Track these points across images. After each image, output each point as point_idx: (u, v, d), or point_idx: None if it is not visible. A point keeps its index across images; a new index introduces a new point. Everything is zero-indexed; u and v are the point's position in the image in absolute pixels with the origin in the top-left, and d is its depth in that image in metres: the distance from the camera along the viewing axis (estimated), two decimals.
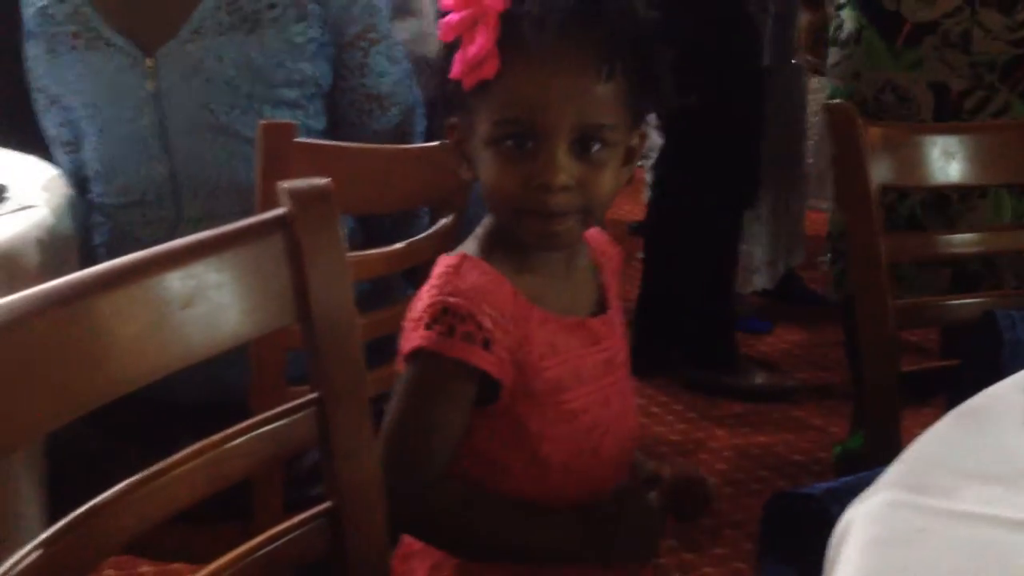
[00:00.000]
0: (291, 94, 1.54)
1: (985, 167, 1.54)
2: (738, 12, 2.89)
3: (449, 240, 1.44)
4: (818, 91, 3.70)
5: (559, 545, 1.03)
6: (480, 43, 0.97)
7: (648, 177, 3.82)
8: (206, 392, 1.35)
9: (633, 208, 4.40)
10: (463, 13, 0.98)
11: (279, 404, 0.93)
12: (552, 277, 1.06)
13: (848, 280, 2.14)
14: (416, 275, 1.40)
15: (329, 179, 0.94)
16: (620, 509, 1.03)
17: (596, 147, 1.00)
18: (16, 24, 1.63)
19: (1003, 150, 1.57)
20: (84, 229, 1.57)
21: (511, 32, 0.97)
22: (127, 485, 0.82)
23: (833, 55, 2.27)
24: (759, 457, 2.66)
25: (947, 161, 1.49)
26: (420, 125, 1.68)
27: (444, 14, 1.00)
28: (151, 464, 0.85)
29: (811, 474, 2.57)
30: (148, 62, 1.53)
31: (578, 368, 1.05)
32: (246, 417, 0.92)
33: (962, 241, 1.61)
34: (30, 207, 1.41)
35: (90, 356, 0.78)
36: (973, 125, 1.99)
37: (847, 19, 2.22)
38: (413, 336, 0.99)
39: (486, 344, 0.98)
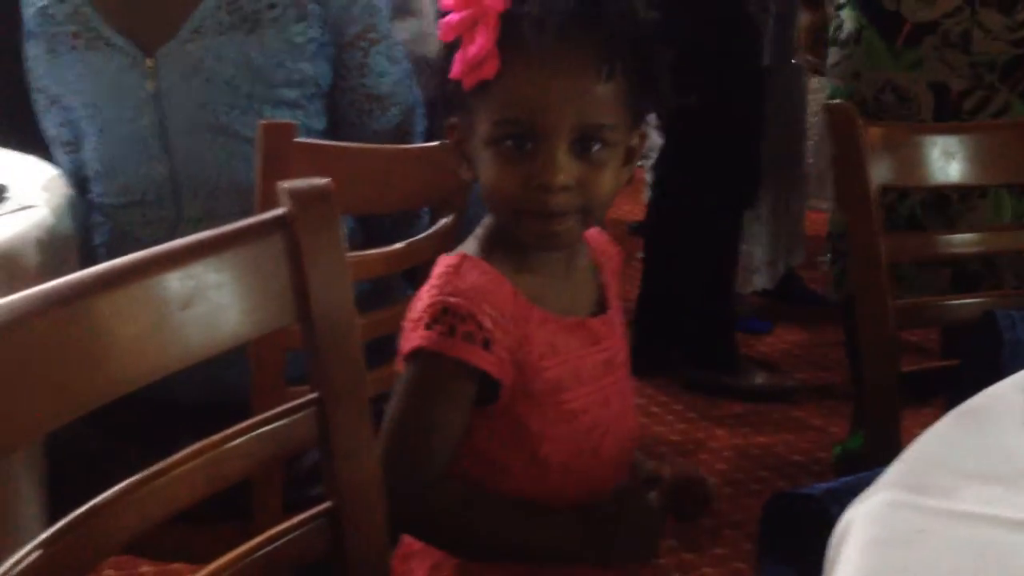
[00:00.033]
0: (291, 94, 1.54)
1: (985, 167, 1.54)
2: (738, 12, 2.89)
3: (449, 240, 1.44)
4: (818, 91, 3.70)
5: (559, 545, 1.03)
6: (480, 43, 0.97)
7: (648, 177, 3.82)
8: (206, 392, 1.35)
9: (633, 208, 4.40)
10: (463, 13, 0.98)
11: (279, 404, 0.93)
12: (552, 277, 1.06)
13: (848, 280, 2.14)
14: (416, 275, 1.40)
15: (329, 179, 0.94)
16: (620, 509, 1.03)
17: (596, 147, 1.00)
18: (16, 24, 1.63)
19: (1003, 150, 1.57)
20: (84, 229, 1.57)
21: (511, 32, 0.97)
22: (127, 485, 0.82)
23: (833, 55, 2.27)
24: (759, 457, 2.66)
25: (947, 161, 1.49)
26: (420, 125, 1.68)
27: (444, 14, 1.00)
28: (151, 464, 0.85)
29: (811, 474, 2.56)
30: (148, 62, 1.53)
31: (578, 368, 1.05)
32: (246, 417, 0.92)
33: (962, 241, 1.61)
34: (30, 207, 1.41)
35: (90, 356, 0.78)
36: (973, 125, 1.99)
37: (847, 19, 2.22)
38: (413, 336, 0.99)
39: (486, 344, 0.98)
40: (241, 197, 1.44)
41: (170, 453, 0.87)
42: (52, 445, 1.34)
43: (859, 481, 0.98)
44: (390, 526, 0.98)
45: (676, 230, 3.00)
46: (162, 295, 0.81)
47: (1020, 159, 1.57)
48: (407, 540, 1.08)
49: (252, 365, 1.32)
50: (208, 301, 0.84)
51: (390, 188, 1.47)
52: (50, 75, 1.60)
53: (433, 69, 1.05)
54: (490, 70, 0.98)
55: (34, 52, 1.61)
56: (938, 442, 0.90)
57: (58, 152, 1.67)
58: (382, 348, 1.20)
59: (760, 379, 3.01)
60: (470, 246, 1.05)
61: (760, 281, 3.50)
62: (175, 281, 0.82)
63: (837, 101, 1.69)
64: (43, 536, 0.78)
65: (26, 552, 0.76)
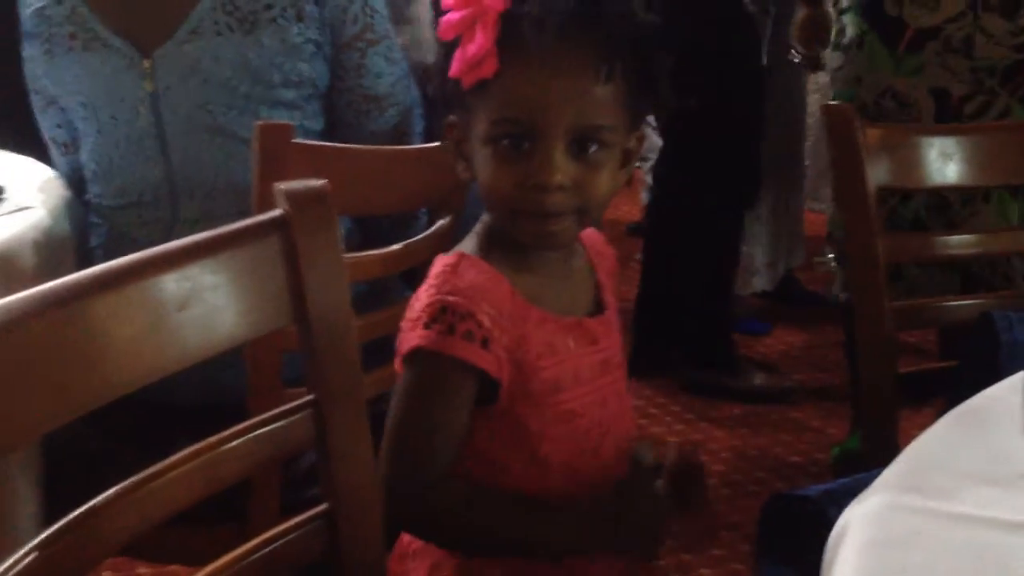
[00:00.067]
0: (289, 95, 1.54)
1: (983, 168, 1.54)
2: (737, 12, 2.89)
3: (447, 241, 1.44)
4: (814, 92, 3.70)
5: (565, 538, 1.03)
6: (480, 42, 0.97)
7: (648, 179, 3.82)
8: (203, 394, 1.34)
9: (631, 209, 4.41)
10: (463, 12, 0.98)
11: (276, 406, 0.93)
12: (549, 277, 1.06)
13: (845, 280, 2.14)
14: (414, 277, 1.39)
15: (326, 180, 0.94)
16: (626, 501, 1.03)
17: (593, 148, 1.00)
18: (13, 25, 1.63)
19: (1001, 151, 1.57)
20: (81, 230, 1.57)
21: (511, 32, 0.97)
22: (124, 487, 0.82)
23: (835, 59, 2.27)
24: (757, 458, 2.66)
25: (945, 162, 1.49)
26: (418, 126, 1.68)
27: (442, 15, 1.00)
28: (148, 465, 0.85)
29: (809, 475, 2.56)
30: (145, 63, 1.53)
31: (576, 368, 1.05)
32: (243, 419, 0.91)
33: (960, 242, 1.61)
34: (27, 208, 1.41)
35: (86, 358, 0.78)
36: (970, 127, 1.98)
37: (849, 24, 2.21)
38: (412, 336, 0.99)
39: (485, 343, 0.98)
40: (238, 198, 1.44)
41: (167, 455, 0.86)
42: (49, 445, 1.34)
43: (856, 482, 0.98)
44: (390, 527, 0.98)
45: (676, 231, 3.00)
46: (158, 297, 0.81)
47: (1018, 160, 1.57)
48: (404, 540, 1.08)
49: (249, 367, 1.32)
50: (204, 303, 0.84)
51: (388, 189, 1.47)
52: (47, 76, 1.60)
53: (432, 69, 1.05)
54: (489, 69, 0.98)
55: (31, 53, 1.60)
56: (936, 443, 0.90)
57: (55, 153, 1.67)
58: (379, 350, 1.20)
59: (758, 380, 3.01)
60: (467, 245, 1.05)
61: (760, 283, 3.50)
62: (171, 283, 0.82)
63: (835, 102, 1.69)
64: (40, 538, 0.78)
65: (23, 554, 0.76)
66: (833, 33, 2.31)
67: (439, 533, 1.03)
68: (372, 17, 1.59)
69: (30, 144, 1.68)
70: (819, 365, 3.20)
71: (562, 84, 0.98)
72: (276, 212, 0.91)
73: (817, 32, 2.65)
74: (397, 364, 1.03)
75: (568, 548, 1.05)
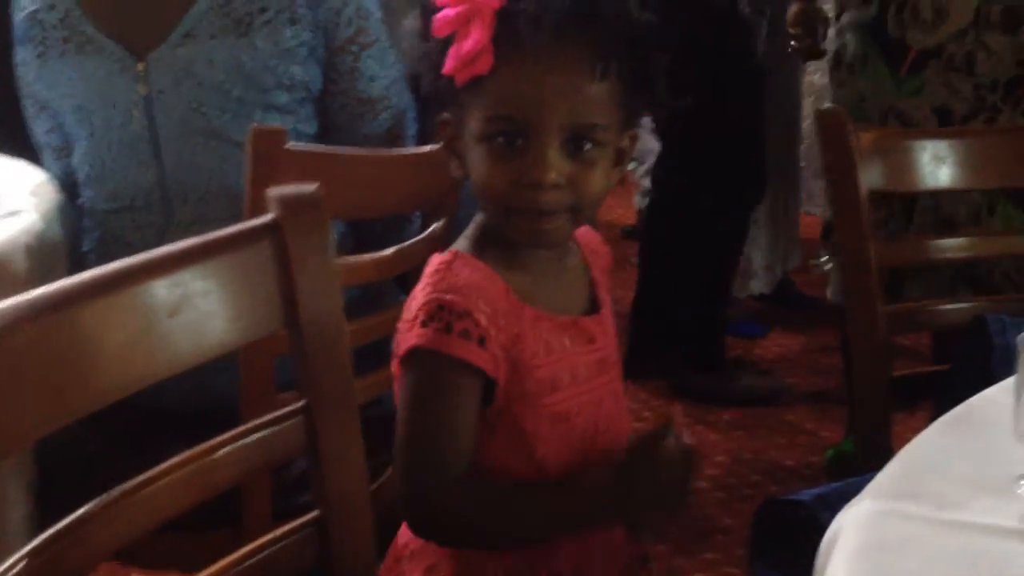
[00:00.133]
0: (282, 98, 1.54)
1: (975, 172, 1.54)
2: (733, 13, 2.89)
3: (440, 245, 1.43)
4: (809, 95, 3.71)
5: (590, 511, 1.03)
6: (475, 38, 0.97)
7: (643, 182, 3.81)
8: (195, 399, 1.34)
9: (626, 212, 4.41)
10: (458, 9, 0.98)
11: (268, 411, 0.93)
12: (543, 276, 1.06)
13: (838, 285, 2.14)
14: (407, 281, 1.39)
15: (318, 185, 0.94)
16: (642, 459, 1.02)
17: (588, 146, 1.00)
18: (5, 29, 1.63)
19: (993, 154, 1.57)
20: (73, 234, 1.56)
21: (506, 29, 0.97)
22: (115, 494, 0.82)
23: (836, 77, 2.26)
24: (751, 462, 2.66)
25: (937, 166, 1.49)
26: (411, 129, 1.68)
27: (438, 9, 1.00)
28: (141, 470, 0.85)
29: (803, 479, 2.56)
30: (139, 66, 1.52)
31: (572, 367, 1.05)
32: (235, 424, 0.91)
33: (952, 246, 1.61)
34: (19, 212, 1.41)
35: (78, 364, 0.78)
36: (963, 130, 1.99)
37: (851, 43, 2.21)
38: (409, 336, 0.99)
39: (482, 341, 0.98)
40: (231, 202, 1.44)
41: (160, 460, 0.86)
42: (42, 450, 1.34)
43: (849, 487, 0.98)
44: (416, 533, 0.98)
45: (675, 233, 2.99)
46: (150, 302, 0.81)
47: (1010, 163, 1.57)
48: (400, 543, 1.07)
49: (241, 372, 1.31)
50: (196, 308, 0.83)
51: (381, 193, 1.47)
52: (40, 80, 1.60)
53: (427, 65, 1.05)
54: (484, 66, 0.97)
55: (23, 57, 1.60)
56: (929, 448, 0.90)
57: (48, 157, 1.66)
58: (372, 354, 1.19)
59: (749, 382, 3.01)
60: (461, 244, 1.05)
61: (757, 286, 3.49)
62: (163, 288, 0.82)
63: (828, 106, 1.69)
64: (31, 545, 0.78)
65: (14, 561, 0.76)
66: (833, 51, 2.31)
67: (462, 535, 1.02)
68: (366, 20, 1.59)
69: (22, 148, 1.67)
70: (814, 368, 3.20)
71: (557, 82, 0.98)
72: (268, 217, 0.91)
73: (810, 24, 2.64)
74: (394, 366, 1.02)
75: (595, 519, 1.04)
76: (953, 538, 0.75)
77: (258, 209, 0.95)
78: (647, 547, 1.14)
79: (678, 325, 3.02)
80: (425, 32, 1.01)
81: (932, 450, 0.90)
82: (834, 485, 1.15)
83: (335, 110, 1.61)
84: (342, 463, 0.93)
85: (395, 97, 1.63)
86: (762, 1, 3.18)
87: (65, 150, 1.63)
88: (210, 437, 0.89)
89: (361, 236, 1.62)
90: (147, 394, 0.84)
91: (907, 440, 0.93)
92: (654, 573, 1.16)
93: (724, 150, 2.87)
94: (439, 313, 0.97)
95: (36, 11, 1.57)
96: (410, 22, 1.04)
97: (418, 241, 1.46)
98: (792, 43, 2.69)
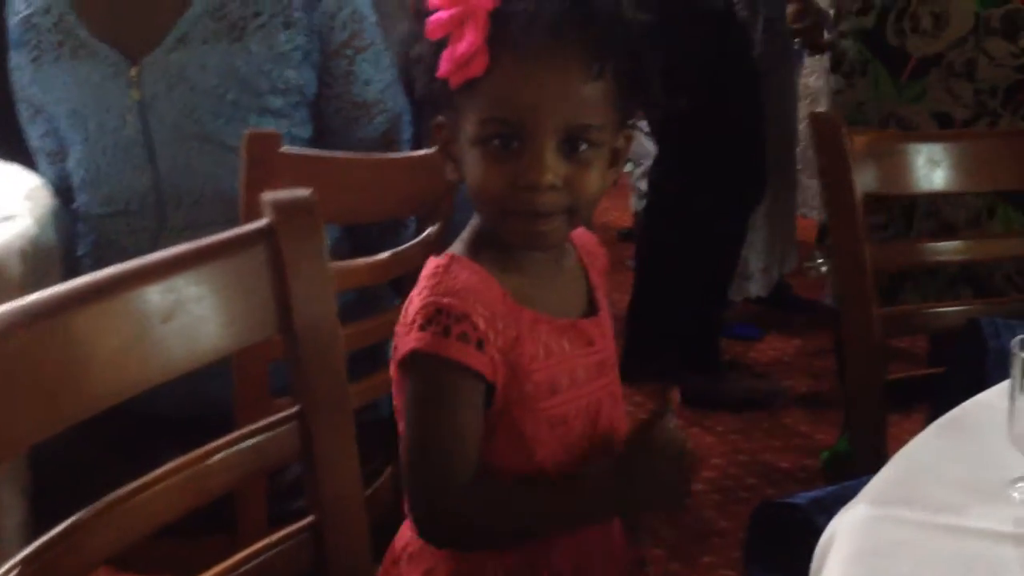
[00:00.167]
0: (276, 102, 1.54)
1: (970, 175, 1.55)
2: (729, 14, 2.89)
3: (435, 249, 1.43)
4: (804, 98, 3.71)
5: (592, 504, 1.03)
6: (469, 40, 0.97)
7: (639, 184, 3.81)
8: (189, 405, 1.34)
9: (622, 215, 4.41)
10: (452, 11, 0.98)
11: (263, 417, 0.92)
12: (540, 278, 1.06)
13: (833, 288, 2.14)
14: (403, 285, 1.39)
15: (312, 190, 0.94)
16: (640, 448, 1.03)
17: (583, 147, 0.99)
18: (0, 33, 1.63)
19: (988, 157, 1.57)
20: (68, 239, 1.56)
21: (500, 31, 0.97)
22: (109, 500, 0.82)
23: (835, 83, 2.26)
24: (747, 464, 2.66)
25: (932, 169, 1.49)
26: (407, 132, 1.68)
27: (431, 12, 1.00)
28: (135, 476, 0.85)
29: (799, 482, 2.56)
30: (133, 71, 1.52)
31: (571, 370, 1.05)
32: (230, 429, 0.91)
33: (947, 249, 1.62)
34: (13, 217, 1.40)
35: (71, 370, 0.78)
36: (958, 133, 1.99)
37: (850, 49, 2.21)
38: (407, 339, 0.98)
39: (480, 345, 0.98)
40: (226, 207, 1.44)
41: (154, 466, 0.86)
42: (36, 456, 1.34)
43: (845, 490, 0.98)
44: (424, 540, 0.98)
45: (673, 235, 2.98)
46: (143, 308, 0.81)
47: (1005, 166, 1.58)
48: (397, 545, 1.07)
49: (235, 377, 1.31)
50: (189, 314, 0.83)
51: (376, 197, 1.47)
52: (34, 84, 1.60)
53: (420, 67, 1.04)
54: (478, 68, 0.97)
55: (18, 62, 1.60)
56: (923, 452, 0.90)
57: (42, 162, 1.66)
58: (367, 358, 1.19)
59: (745, 385, 3.01)
60: (457, 248, 1.05)
61: (755, 288, 3.49)
62: (156, 294, 0.81)
63: (822, 110, 1.69)
64: (26, 551, 0.77)
65: (8, 568, 0.76)
66: (832, 56, 2.31)
67: (471, 538, 1.02)
68: (360, 24, 1.59)
69: (17, 152, 1.67)
70: (810, 371, 3.20)
71: (552, 83, 0.98)
72: (262, 222, 0.90)
73: (811, 19, 2.64)
74: (393, 369, 1.02)
75: (604, 511, 1.05)
76: (947, 542, 0.75)
77: (253, 213, 0.95)
78: (644, 551, 1.14)
79: (675, 328, 3.01)
80: (419, 35, 1.01)
81: (927, 454, 0.90)
82: (830, 488, 1.15)
83: (330, 114, 1.61)
84: (337, 468, 0.93)
85: (390, 101, 1.63)
86: (757, 2, 3.18)
87: (60, 155, 1.63)
88: (204, 443, 0.89)
89: (356, 240, 1.62)
90: (141, 400, 0.83)
91: (903, 442, 0.93)
92: None
93: (723, 151, 2.86)
94: (437, 316, 0.97)
95: (31, 15, 1.57)
96: (404, 25, 1.04)
97: (413, 245, 1.46)
98: (795, 40, 2.69)
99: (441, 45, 0.99)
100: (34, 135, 1.66)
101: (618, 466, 1.03)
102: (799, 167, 3.71)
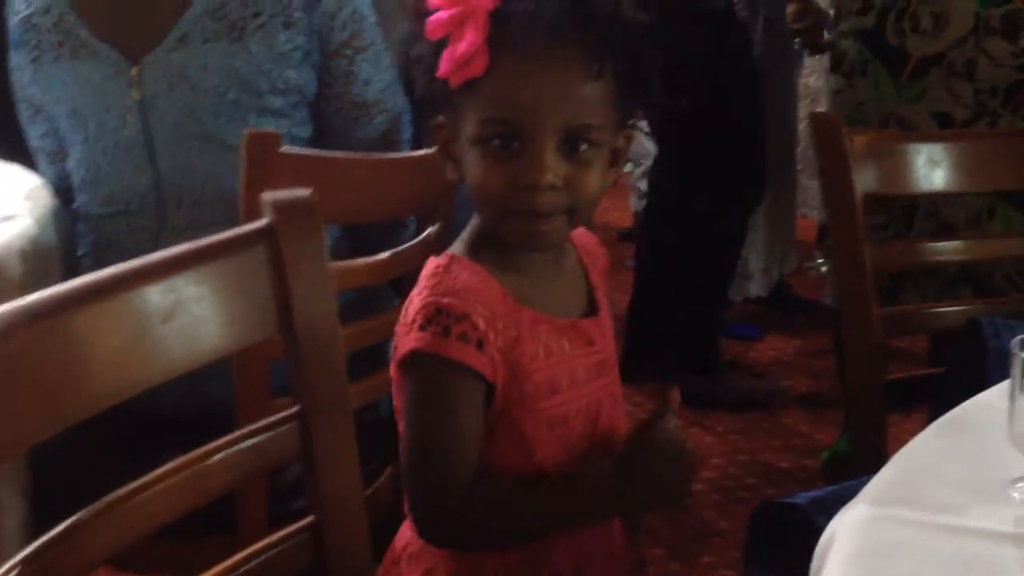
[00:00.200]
0: (277, 102, 1.54)
1: (970, 175, 1.55)
2: (729, 14, 2.89)
3: (435, 249, 1.43)
4: (803, 98, 3.71)
5: (594, 503, 1.04)
6: (469, 40, 0.97)
7: (639, 184, 3.81)
8: (189, 405, 1.34)
9: (622, 215, 4.41)
10: (452, 11, 0.98)
11: (263, 416, 0.92)
12: (541, 278, 1.06)
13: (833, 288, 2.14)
14: (402, 285, 1.39)
15: (312, 190, 0.94)
16: (640, 446, 1.03)
17: (583, 147, 0.99)
18: (0, 33, 1.63)
19: (987, 157, 1.57)
20: (68, 239, 1.56)
21: (500, 31, 0.97)
22: (109, 500, 0.82)
23: (835, 82, 2.26)
24: (747, 464, 2.66)
25: (931, 169, 1.50)
26: (407, 132, 1.68)
27: (431, 12, 0.99)
28: (136, 476, 0.85)
29: (799, 481, 2.56)
30: (133, 71, 1.52)
31: (572, 370, 1.05)
32: (230, 429, 0.91)
33: (947, 249, 1.62)
34: (13, 217, 1.40)
35: (71, 370, 0.78)
36: (958, 133, 1.99)
37: (850, 49, 2.21)
38: (407, 339, 0.98)
39: (480, 345, 0.98)
40: (226, 206, 1.44)
41: (154, 466, 0.86)
42: (36, 456, 1.34)
43: (845, 490, 0.98)
44: (426, 541, 0.98)
45: (673, 235, 2.98)
46: (143, 308, 0.81)
47: (1005, 166, 1.58)
48: (397, 546, 1.07)
49: (235, 377, 1.31)
50: (189, 314, 0.83)
51: (376, 197, 1.47)
52: (34, 84, 1.60)
53: (420, 68, 1.04)
54: (478, 68, 0.97)
55: (18, 62, 1.60)
56: (923, 452, 0.90)
57: (43, 162, 1.66)
58: (367, 358, 1.19)
59: (745, 385, 3.01)
60: (457, 248, 1.05)
61: (755, 288, 3.49)
62: (156, 294, 0.82)
63: (822, 110, 1.69)
64: (26, 551, 0.77)
65: (8, 568, 0.76)
66: (831, 56, 2.31)
67: (473, 539, 1.02)
68: (360, 24, 1.59)
69: (17, 152, 1.67)
70: (810, 371, 3.20)
71: (552, 82, 0.97)
72: (262, 222, 0.90)
73: (809, 21, 2.64)
74: (392, 369, 1.02)
75: (605, 512, 1.05)
76: (947, 543, 0.75)
77: (253, 213, 0.95)
78: (644, 550, 1.14)
79: (674, 328, 3.01)
80: (419, 35, 1.01)
81: (927, 454, 0.90)
82: (830, 488, 1.15)
83: (330, 114, 1.61)
84: (337, 468, 0.93)
85: (390, 101, 1.63)
86: (757, 2, 3.18)
87: (60, 154, 1.63)
88: (204, 442, 0.89)
89: (356, 240, 1.62)
90: (141, 400, 0.83)
91: (903, 441, 0.93)
92: None
93: (723, 151, 2.86)
94: (437, 316, 0.97)
95: (31, 15, 1.57)
96: (404, 25, 1.04)
97: (413, 245, 1.46)
98: (796, 40, 2.69)
99: (441, 45, 0.99)
100: (34, 135, 1.66)
101: (618, 466, 1.03)
102: (799, 167, 3.71)
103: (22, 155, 1.67)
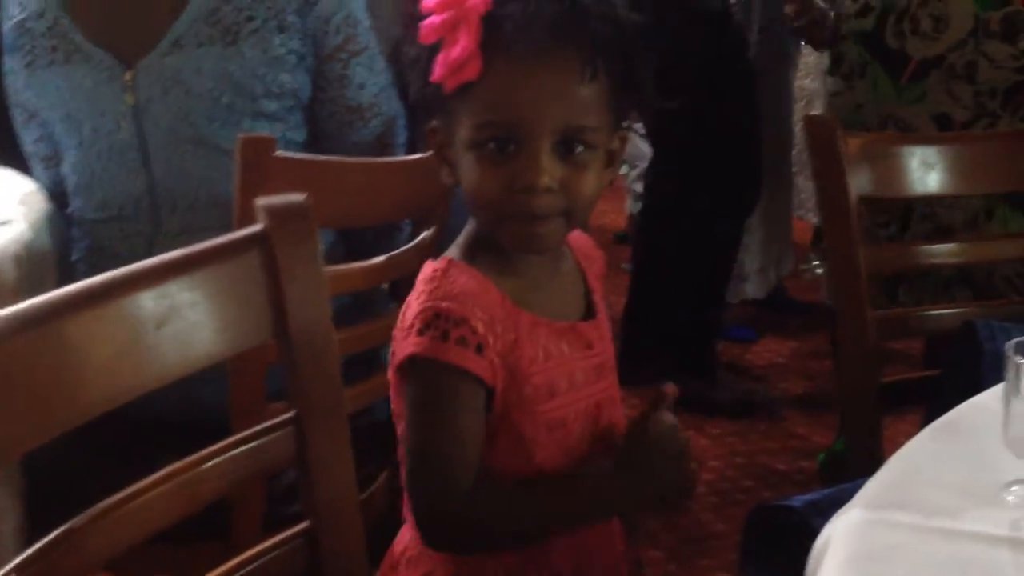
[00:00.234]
0: (271, 106, 1.54)
1: (964, 177, 1.55)
2: (724, 15, 2.89)
3: (430, 253, 1.43)
4: (799, 100, 3.71)
5: (595, 502, 1.04)
6: (463, 44, 0.96)
7: (635, 187, 3.81)
8: (184, 410, 1.34)
9: (618, 217, 4.41)
10: (444, 15, 0.98)
11: (259, 421, 0.92)
12: (538, 281, 1.05)
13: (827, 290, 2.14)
14: (399, 289, 1.39)
15: (306, 195, 0.94)
16: (638, 441, 1.03)
17: (579, 149, 0.99)
18: None
19: (982, 159, 1.58)
20: (63, 244, 1.56)
21: (493, 34, 0.97)
22: (104, 506, 0.82)
23: (833, 84, 2.26)
24: (743, 467, 2.66)
25: (926, 172, 1.50)
26: (401, 136, 1.68)
27: (424, 16, 0.99)
28: (131, 481, 0.85)
29: (795, 484, 2.56)
30: (127, 75, 1.52)
31: (570, 373, 1.05)
32: (226, 434, 0.91)
33: (942, 252, 1.62)
34: (8, 222, 1.40)
35: (65, 377, 0.78)
36: (952, 136, 1.99)
37: (850, 51, 2.21)
38: (406, 344, 0.98)
39: (479, 349, 0.97)
40: (220, 211, 1.44)
41: (149, 471, 0.86)
42: (31, 462, 1.33)
43: (841, 493, 0.98)
44: (429, 547, 0.98)
45: (669, 238, 2.98)
46: (137, 314, 0.81)
47: (999, 168, 1.58)
48: (396, 550, 1.07)
49: (230, 382, 1.31)
50: (184, 319, 0.83)
51: (371, 201, 1.47)
52: (28, 89, 1.59)
53: (414, 73, 1.04)
54: (472, 72, 0.97)
55: (12, 66, 1.60)
56: (918, 456, 0.90)
57: (37, 166, 1.66)
58: (362, 363, 1.19)
59: (741, 392, 3.01)
60: (454, 252, 1.05)
61: (751, 290, 3.49)
62: (150, 300, 0.81)
63: (816, 113, 1.69)
64: (21, 557, 0.77)
65: (3, 573, 0.76)
66: (830, 58, 2.31)
67: (475, 543, 1.02)
68: (354, 28, 1.59)
69: (11, 157, 1.67)
70: (806, 373, 3.20)
71: (546, 85, 0.97)
72: (256, 227, 0.90)
73: (806, 19, 2.64)
74: (390, 374, 1.02)
75: (609, 509, 1.06)
76: (943, 546, 0.75)
77: (247, 217, 0.95)
78: (641, 551, 1.14)
79: (671, 330, 3.01)
80: (412, 39, 1.01)
81: (922, 457, 0.90)
82: (826, 491, 1.15)
83: (324, 118, 1.61)
84: (332, 473, 0.93)
85: (385, 104, 1.63)
86: (752, 5, 3.19)
87: (54, 159, 1.63)
88: (199, 448, 0.89)
89: (351, 244, 1.62)
90: (136, 405, 0.83)
91: (898, 444, 0.94)
92: None
93: (718, 153, 2.86)
94: (435, 321, 0.97)
95: (24, 20, 1.57)
96: (398, 29, 1.04)
97: (408, 249, 1.46)
98: (799, 38, 2.68)
99: (435, 49, 0.99)
100: (28, 140, 1.65)
101: (617, 461, 1.03)
102: (794, 169, 3.72)
103: (16, 160, 1.67)
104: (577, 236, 1.11)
